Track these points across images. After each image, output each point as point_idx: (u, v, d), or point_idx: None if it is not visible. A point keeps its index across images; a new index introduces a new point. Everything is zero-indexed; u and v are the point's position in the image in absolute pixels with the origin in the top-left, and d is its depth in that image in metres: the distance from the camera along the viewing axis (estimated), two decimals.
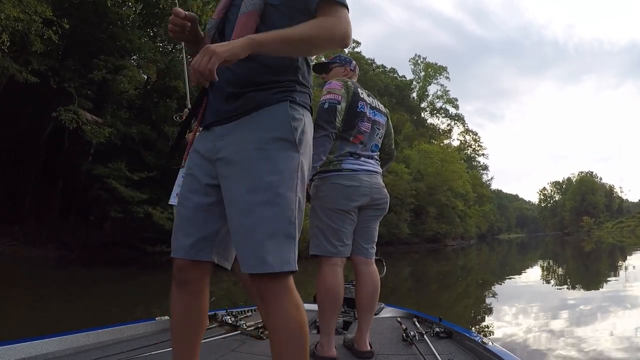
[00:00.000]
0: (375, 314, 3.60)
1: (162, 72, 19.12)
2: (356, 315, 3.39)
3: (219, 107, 1.51)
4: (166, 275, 13.08)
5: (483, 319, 7.58)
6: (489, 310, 8.44)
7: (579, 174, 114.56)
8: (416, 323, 3.31)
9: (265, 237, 1.37)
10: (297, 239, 1.43)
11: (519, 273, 16.83)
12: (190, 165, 1.58)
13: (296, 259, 1.42)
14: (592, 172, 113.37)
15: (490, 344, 2.52)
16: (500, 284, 12.75)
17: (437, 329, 3.03)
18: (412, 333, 2.91)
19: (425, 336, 2.90)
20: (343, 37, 1.43)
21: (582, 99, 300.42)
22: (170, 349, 2.44)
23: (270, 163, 1.40)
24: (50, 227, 17.35)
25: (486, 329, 6.55)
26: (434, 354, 2.52)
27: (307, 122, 1.51)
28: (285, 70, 1.48)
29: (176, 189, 3.40)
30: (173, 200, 3.39)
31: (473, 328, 6.62)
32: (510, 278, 14.79)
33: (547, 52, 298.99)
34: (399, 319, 3.45)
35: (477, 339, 2.63)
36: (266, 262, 1.35)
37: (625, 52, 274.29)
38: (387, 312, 3.85)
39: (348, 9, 1.46)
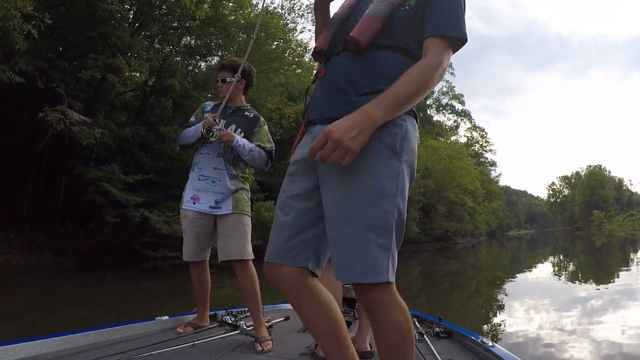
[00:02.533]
0: None
1: (157, 71, 18.73)
2: (357, 315, 3.40)
3: (326, 105, 1.52)
4: (167, 282, 12.98)
5: (496, 319, 7.49)
6: (502, 310, 8.34)
7: (587, 168, 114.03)
8: (416, 323, 3.29)
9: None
10: (390, 250, 1.39)
11: (530, 270, 16.71)
12: (291, 171, 1.59)
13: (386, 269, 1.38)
14: (600, 166, 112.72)
15: (490, 343, 2.52)
16: (512, 282, 12.64)
17: (437, 329, 3.04)
18: None
19: (425, 336, 2.90)
20: (437, 81, 1.44)
21: (588, 93, 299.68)
22: (170, 348, 2.66)
23: (368, 169, 1.39)
24: (47, 233, 17.03)
25: (499, 329, 6.49)
26: (434, 354, 2.51)
27: (409, 127, 1.47)
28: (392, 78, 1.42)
29: (190, 192, 3.23)
30: (186, 204, 3.22)
31: (485, 328, 6.58)
32: (521, 274, 14.70)
33: (552, 48, 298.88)
34: None
35: (477, 339, 2.64)
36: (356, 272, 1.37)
37: (630, 44, 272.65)
38: None
39: (459, 47, 1.52)
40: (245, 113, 3.35)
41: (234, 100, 3.35)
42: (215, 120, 3.14)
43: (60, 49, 16.74)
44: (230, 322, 3.39)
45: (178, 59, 20.48)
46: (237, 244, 3.12)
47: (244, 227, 3.18)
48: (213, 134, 3.12)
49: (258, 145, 3.23)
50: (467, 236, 49.70)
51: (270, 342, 2.83)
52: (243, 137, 3.21)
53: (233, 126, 3.24)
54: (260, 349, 2.76)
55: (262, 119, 3.38)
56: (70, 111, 14.26)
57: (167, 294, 10.69)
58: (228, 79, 3.25)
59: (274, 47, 21.43)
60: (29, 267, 14.85)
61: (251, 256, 3.15)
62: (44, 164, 18.04)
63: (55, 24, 14.28)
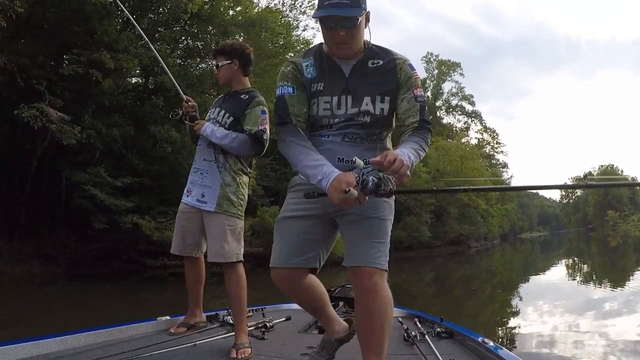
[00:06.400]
0: None
1: (147, 67, 18.11)
2: None
3: None
4: (167, 292, 12.63)
5: (511, 326, 7.43)
6: (517, 316, 8.33)
7: (599, 168, 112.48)
8: (417, 323, 3.35)
9: None
10: None
11: (544, 273, 16.59)
12: None
13: None
14: (612, 165, 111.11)
15: (491, 343, 2.53)
16: (527, 286, 12.55)
17: (439, 329, 3.05)
18: (413, 333, 2.94)
19: (426, 336, 2.92)
20: None
21: (598, 93, 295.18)
22: (172, 348, 2.71)
23: None
24: (38, 241, 16.42)
25: (515, 336, 6.43)
26: (436, 354, 2.51)
27: None
28: None
29: (187, 185, 3.19)
30: (183, 197, 3.20)
31: (501, 334, 6.52)
32: (536, 278, 14.58)
33: (560, 49, 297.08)
34: (400, 319, 3.44)
35: (478, 339, 2.63)
36: None
37: (638, 43, 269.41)
38: None
39: None
40: (241, 96, 3.15)
41: (233, 85, 3.22)
42: (190, 105, 3.25)
43: (44, 45, 16.00)
44: (231, 322, 3.32)
45: (179, 61, 19.99)
46: (215, 245, 3.01)
47: (223, 228, 3.02)
48: (182, 117, 3.25)
49: (245, 129, 3.01)
50: (480, 239, 49.11)
51: (249, 349, 2.72)
52: (232, 122, 3.07)
53: (222, 112, 3.13)
54: (234, 356, 2.63)
55: (257, 99, 3.12)
56: (47, 108, 13.69)
57: (167, 304, 10.47)
58: (220, 64, 3.15)
59: (270, 46, 21.10)
60: (16, 276, 14.36)
61: (231, 259, 3.01)
62: (45, 169, 17.57)
63: (41, 22, 14.07)
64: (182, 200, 3.21)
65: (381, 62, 2.03)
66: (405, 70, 2.03)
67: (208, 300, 3.45)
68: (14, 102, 13.90)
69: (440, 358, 2.43)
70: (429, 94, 67.16)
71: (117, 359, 2.46)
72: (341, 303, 4.03)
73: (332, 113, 2.03)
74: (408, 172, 1.75)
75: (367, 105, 2.00)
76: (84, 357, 2.52)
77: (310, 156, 1.92)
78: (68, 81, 15.10)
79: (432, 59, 68.13)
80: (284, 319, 3.58)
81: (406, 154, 1.81)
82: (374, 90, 2.00)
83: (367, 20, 2.00)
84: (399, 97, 2.02)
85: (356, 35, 1.94)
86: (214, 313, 3.55)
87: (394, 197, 2.02)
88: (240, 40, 19.79)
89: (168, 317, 3.37)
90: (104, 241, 16.54)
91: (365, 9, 1.91)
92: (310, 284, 2.27)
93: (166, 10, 18.70)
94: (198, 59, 20.88)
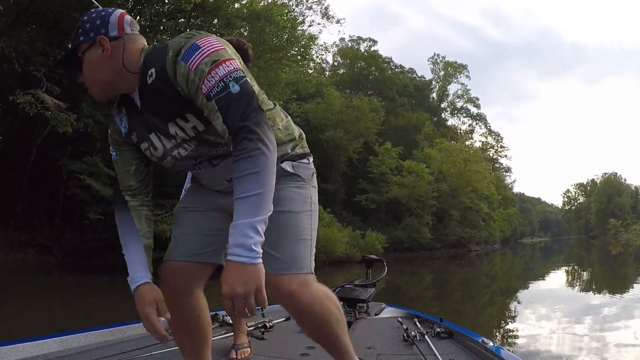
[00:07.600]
0: (376, 314, 3.65)
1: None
2: (357, 316, 3.53)
3: None
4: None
5: (510, 330, 7.43)
6: (515, 319, 8.33)
7: (602, 175, 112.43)
8: (417, 323, 3.31)
9: None
10: None
11: (544, 278, 16.57)
12: None
13: None
14: (616, 173, 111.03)
15: (490, 343, 2.51)
16: (526, 291, 12.54)
17: (438, 329, 3.01)
18: (412, 333, 2.89)
19: (426, 336, 2.88)
20: None
21: (603, 100, 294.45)
22: (172, 348, 2.58)
23: None
24: (33, 231, 16.39)
25: (513, 339, 6.44)
26: (435, 354, 2.50)
27: None
28: None
29: (186, 184, 3.22)
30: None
31: (499, 335, 6.53)
32: (536, 283, 14.56)
33: (567, 54, 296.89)
34: (399, 319, 3.41)
35: (478, 339, 2.61)
36: None
37: None
38: (388, 312, 3.87)
39: None
40: None
41: None
42: None
43: (45, 31, 16.08)
44: (230, 322, 3.24)
45: None
46: None
47: None
48: None
49: None
50: (481, 243, 49.04)
51: (249, 349, 2.69)
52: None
53: None
54: (234, 356, 2.60)
55: None
56: (43, 94, 13.57)
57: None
58: None
59: (275, 41, 21.09)
60: (9, 265, 14.29)
61: None
62: (45, 159, 17.50)
63: (43, 8, 14.03)
64: (181, 199, 3.20)
65: (154, 73, 1.40)
66: (180, 69, 1.34)
67: (207, 300, 3.42)
68: (12, 89, 13.95)
69: (440, 358, 2.42)
70: (434, 95, 67.15)
71: (117, 359, 2.46)
72: (341, 303, 4.01)
73: (158, 158, 1.58)
74: (251, 301, 1.21)
75: (177, 133, 1.46)
76: (84, 357, 2.53)
77: (128, 247, 1.61)
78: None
79: (438, 60, 68.14)
80: (283, 319, 3.56)
81: (240, 246, 1.20)
82: (169, 113, 1.44)
83: (124, 47, 1.43)
84: (199, 107, 1.39)
85: (89, 74, 1.46)
86: (213, 313, 3.44)
87: (314, 183, 1.72)
88: (245, 33, 19.83)
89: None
90: (100, 232, 16.37)
91: (96, 35, 1.40)
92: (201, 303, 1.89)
93: (171, 1, 18.72)
94: None
